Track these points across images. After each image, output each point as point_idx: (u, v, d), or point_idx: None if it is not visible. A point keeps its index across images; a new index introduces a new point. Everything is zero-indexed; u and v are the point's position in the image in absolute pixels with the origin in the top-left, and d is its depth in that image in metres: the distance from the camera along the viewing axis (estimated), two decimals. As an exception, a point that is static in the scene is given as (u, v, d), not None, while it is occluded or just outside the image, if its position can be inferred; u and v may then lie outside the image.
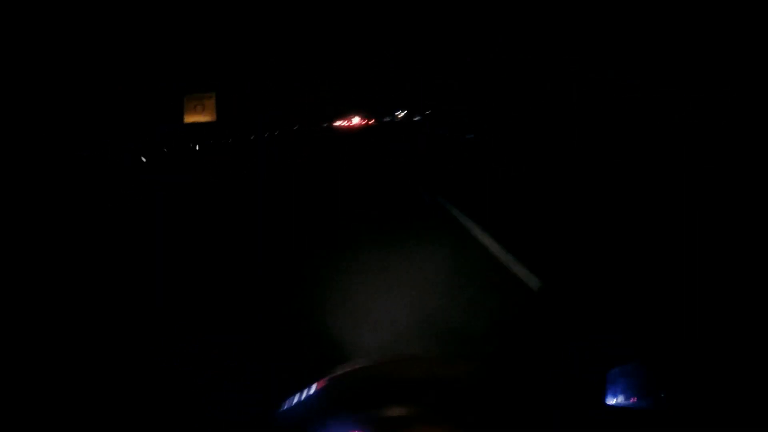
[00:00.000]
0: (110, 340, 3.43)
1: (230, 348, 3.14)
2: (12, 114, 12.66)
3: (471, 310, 3.48)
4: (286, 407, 1.18)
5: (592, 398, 1.06)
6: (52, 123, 14.31)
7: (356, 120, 37.09)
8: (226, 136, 23.36)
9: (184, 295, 4.33)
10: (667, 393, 1.01)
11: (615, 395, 1.02)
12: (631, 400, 1.02)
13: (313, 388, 1.19)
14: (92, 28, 16.42)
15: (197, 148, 21.54)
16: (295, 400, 1.18)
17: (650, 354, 1.08)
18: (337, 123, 36.73)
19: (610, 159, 8.85)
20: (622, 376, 1.02)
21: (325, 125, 33.33)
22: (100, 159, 15.32)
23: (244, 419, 2.16)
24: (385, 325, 3.27)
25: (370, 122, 38.68)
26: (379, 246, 5.22)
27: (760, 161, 6.12)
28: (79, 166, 13.85)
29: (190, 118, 19.51)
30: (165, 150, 19.66)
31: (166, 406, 2.57)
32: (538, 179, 8.73)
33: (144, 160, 17.63)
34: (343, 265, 4.68)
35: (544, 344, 2.90)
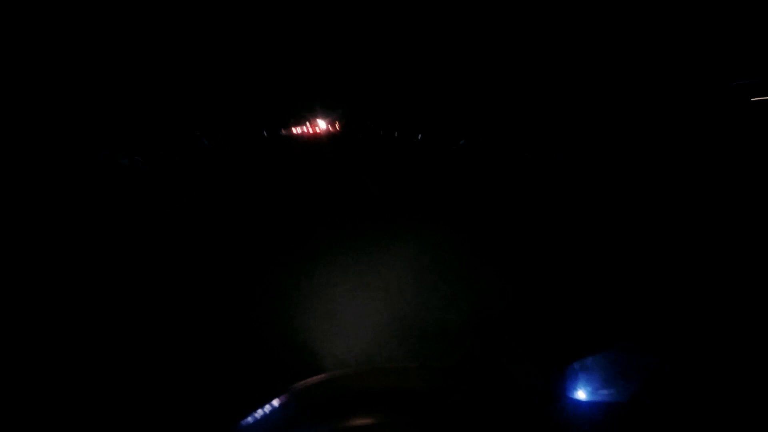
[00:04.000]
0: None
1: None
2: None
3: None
4: (249, 420, 1.15)
5: (556, 393, 1.06)
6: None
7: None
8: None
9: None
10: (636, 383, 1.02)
11: (576, 390, 1.03)
12: (597, 393, 1.03)
13: (277, 400, 1.16)
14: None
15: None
16: (260, 412, 1.15)
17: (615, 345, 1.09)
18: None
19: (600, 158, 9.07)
20: (582, 370, 1.02)
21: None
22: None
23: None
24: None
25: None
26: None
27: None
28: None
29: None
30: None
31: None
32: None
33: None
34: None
35: (509, 341, 2.93)
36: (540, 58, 15.08)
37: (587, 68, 12.73)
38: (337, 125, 79.68)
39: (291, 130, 79.22)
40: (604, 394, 1.02)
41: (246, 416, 1.10)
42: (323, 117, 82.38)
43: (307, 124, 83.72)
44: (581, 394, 1.03)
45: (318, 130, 75.46)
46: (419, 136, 25.48)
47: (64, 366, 3.14)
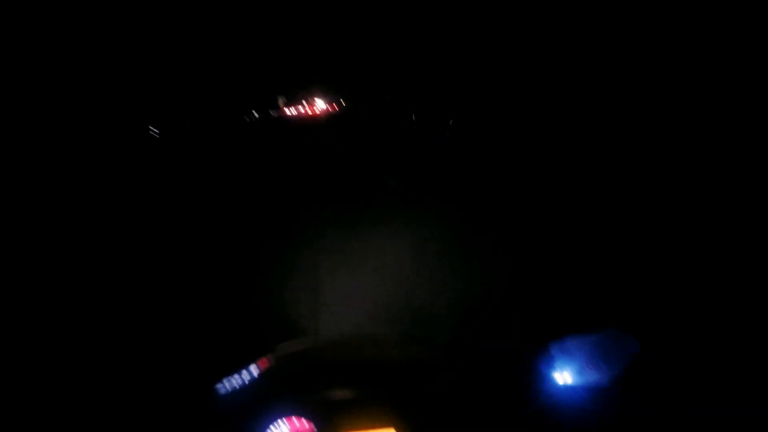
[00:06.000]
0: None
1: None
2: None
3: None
4: (228, 389, 1.13)
5: (540, 378, 1.05)
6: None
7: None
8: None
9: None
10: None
11: (557, 372, 1.02)
12: (578, 376, 1.02)
13: (255, 368, 1.15)
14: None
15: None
16: (237, 380, 1.14)
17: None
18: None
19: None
20: (562, 351, 1.02)
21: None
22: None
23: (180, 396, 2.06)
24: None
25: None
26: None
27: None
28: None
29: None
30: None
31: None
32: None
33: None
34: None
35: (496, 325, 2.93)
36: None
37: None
38: (337, 105, 69.80)
39: (283, 111, 66.70)
40: (585, 378, 1.02)
41: (223, 379, 1.09)
42: (322, 95, 71.96)
43: (303, 103, 72.69)
44: (562, 377, 1.03)
45: (316, 111, 66.55)
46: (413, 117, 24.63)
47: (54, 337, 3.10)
